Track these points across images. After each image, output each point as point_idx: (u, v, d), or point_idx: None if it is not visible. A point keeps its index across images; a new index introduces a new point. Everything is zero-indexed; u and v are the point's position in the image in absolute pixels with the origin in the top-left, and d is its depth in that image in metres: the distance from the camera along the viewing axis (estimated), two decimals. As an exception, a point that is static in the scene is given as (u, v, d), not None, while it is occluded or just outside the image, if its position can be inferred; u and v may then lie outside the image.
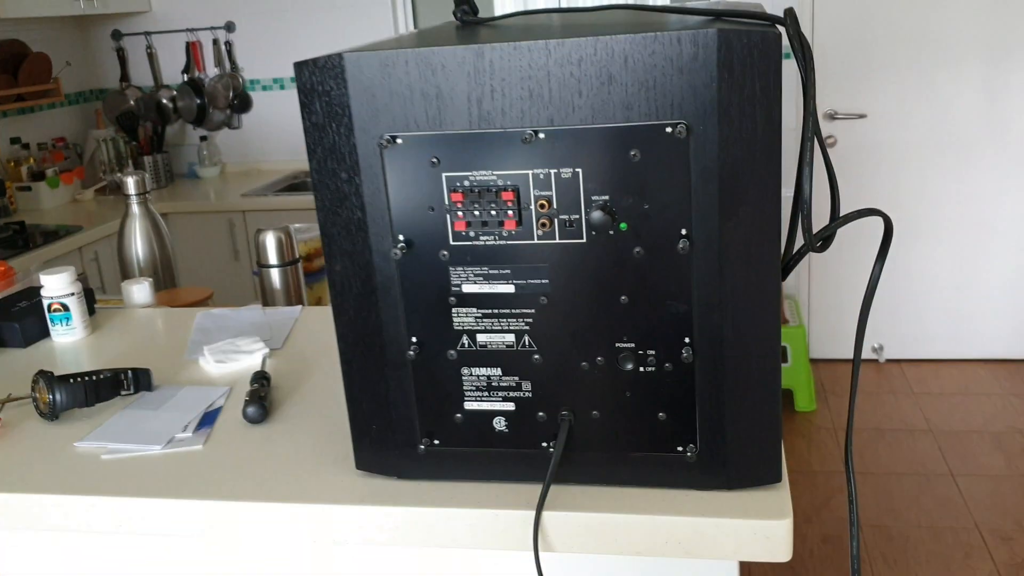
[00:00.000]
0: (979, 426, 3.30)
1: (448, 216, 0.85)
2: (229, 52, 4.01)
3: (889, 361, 3.86)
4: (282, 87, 4.06)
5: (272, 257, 1.68)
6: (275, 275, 1.68)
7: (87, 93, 4.18)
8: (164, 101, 4.02)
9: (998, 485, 2.94)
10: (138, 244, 1.84)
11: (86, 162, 4.03)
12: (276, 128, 4.13)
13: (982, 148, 3.54)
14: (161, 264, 1.84)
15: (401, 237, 0.87)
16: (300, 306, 1.46)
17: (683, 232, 0.81)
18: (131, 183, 1.84)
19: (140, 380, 1.20)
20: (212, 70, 4.04)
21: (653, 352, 0.86)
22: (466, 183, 0.84)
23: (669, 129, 0.78)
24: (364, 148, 0.84)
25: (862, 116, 3.38)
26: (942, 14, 3.41)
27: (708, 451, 0.88)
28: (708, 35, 0.75)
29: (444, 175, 0.84)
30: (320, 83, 0.83)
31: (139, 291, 1.56)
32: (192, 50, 4.03)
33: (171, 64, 4.09)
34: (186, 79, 4.04)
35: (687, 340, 0.84)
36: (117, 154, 3.96)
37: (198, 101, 4.01)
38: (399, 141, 0.83)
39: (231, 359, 1.26)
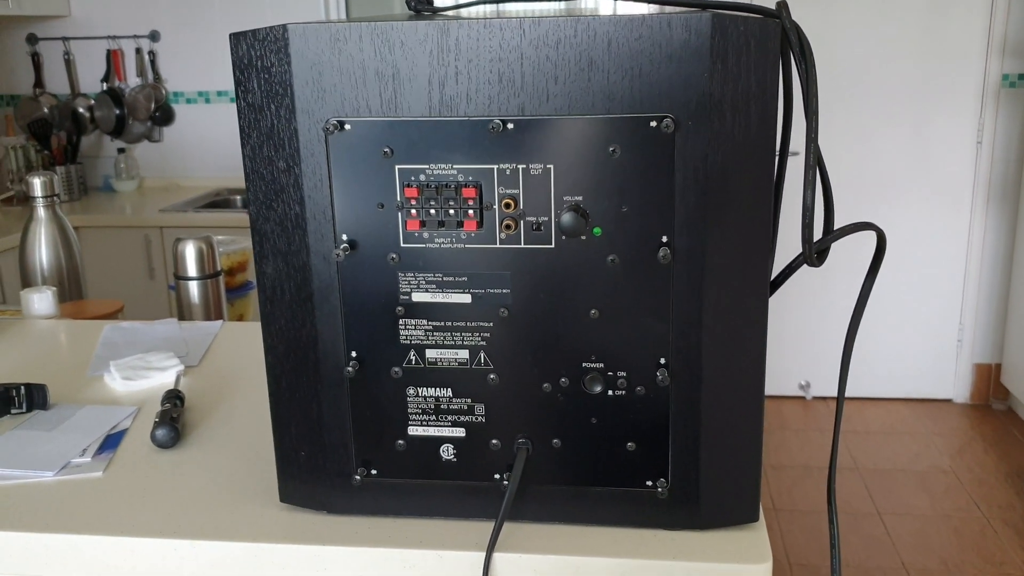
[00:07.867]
0: (904, 465, 3.30)
1: (400, 214, 0.75)
2: (152, 62, 3.84)
3: (816, 398, 3.86)
4: (207, 101, 3.90)
5: (191, 268, 1.54)
6: (193, 288, 1.55)
7: (-3, 98, 3.96)
8: (80, 110, 3.83)
9: (924, 524, 2.93)
10: (42, 251, 1.68)
11: (-8, 170, 3.81)
12: (199, 143, 3.96)
13: (908, 188, 3.59)
14: (68, 274, 1.68)
15: (344, 237, 0.76)
16: (220, 321, 1.34)
17: (664, 239, 0.73)
18: (38, 184, 1.68)
19: (35, 397, 1.06)
20: (134, 80, 3.86)
21: (624, 374, 0.77)
22: (422, 177, 0.74)
23: (654, 123, 0.70)
24: (307, 134, 0.74)
25: (794, 154, 3.40)
26: (873, 57, 3.47)
27: (680, 487, 0.79)
28: (702, 19, 0.67)
29: (398, 167, 0.74)
30: (259, 57, 0.72)
31: (40, 300, 1.41)
32: (113, 58, 3.85)
33: (90, 72, 3.89)
34: (105, 88, 3.85)
35: (662, 361, 0.76)
36: (27, 163, 3.74)
37: (117, 111, 3.82)
38: (347, 127, 0.73)
39: (140, 376, 1.13)
